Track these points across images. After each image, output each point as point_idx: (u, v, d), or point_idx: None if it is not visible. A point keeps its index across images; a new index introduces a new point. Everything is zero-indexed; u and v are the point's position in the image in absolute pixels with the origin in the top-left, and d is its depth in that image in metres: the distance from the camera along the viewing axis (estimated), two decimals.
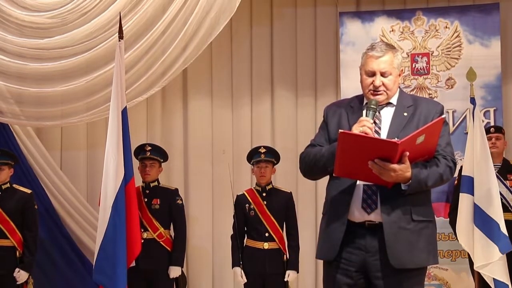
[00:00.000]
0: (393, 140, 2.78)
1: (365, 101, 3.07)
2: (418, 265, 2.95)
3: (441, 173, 2.94)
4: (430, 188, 2.99)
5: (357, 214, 2.95)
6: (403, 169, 2.81)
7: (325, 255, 3.04)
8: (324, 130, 3.15)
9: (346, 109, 3.11)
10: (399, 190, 2.89)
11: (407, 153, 2.78)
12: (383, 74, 3.00)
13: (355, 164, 2.84)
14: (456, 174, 5.59)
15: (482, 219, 4.95)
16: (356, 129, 2.87)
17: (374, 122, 2.94)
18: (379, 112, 3.01)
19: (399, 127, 2.98)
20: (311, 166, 3.08)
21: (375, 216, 2.93)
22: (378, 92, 3.01)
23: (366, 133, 2.84)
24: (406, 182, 2.86)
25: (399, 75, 3.07)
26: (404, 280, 2.91)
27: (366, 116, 2.94)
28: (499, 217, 4.96)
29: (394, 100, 3.07)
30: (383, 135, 2.98)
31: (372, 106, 2.95)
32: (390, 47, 3.08)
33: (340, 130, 2.80)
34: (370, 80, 3.01)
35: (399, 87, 3.12)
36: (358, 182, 2.95)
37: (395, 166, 2.79)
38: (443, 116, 3.00)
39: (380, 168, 2.79)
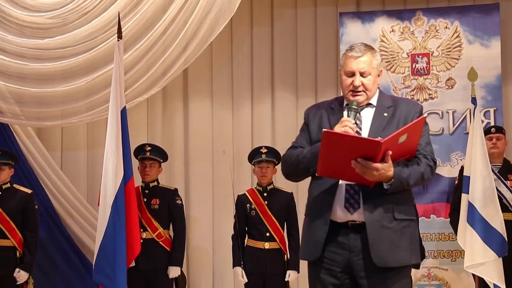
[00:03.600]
0: (376, 139, 2.79)
1: (345, 103, 3.09)
2: (401, 263, 2.96)
3: (422, 172, 2.96)
4: (412, 187, 3.01)
5: (340, 214, 2.95)
6: (386, 168, 2.82)
7: (309, 256, 3.05)
8: (305, 132, 3.17)
9: (326, 111, 3.13)
10: (381, 189, 2.91)
11: (390, 152, 2.80)
12: (362, 74, 3.02)
13: (338, 163, 2.85)
14: (456, 174, 5.65)
15: (475, 218, 4.99)
16: (338, 129, 2.88)
17: (355, 123, 2.95)
18: (359, 113, 3.02)
19: (379, 128, 3.00)
20: (293, 167, 3.09)
21: (357, 216, 2.93)
22: (358, 93, 3.03)
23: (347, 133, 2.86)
24: (388, 181, 2.87)
25: (378, 75, 3.09)
26: (387, 278, 2.92)
27: (348, 116, 2.96)
28: (494, 219, 4.97)
29: (374, 101, 3.09)
30: (364, 135, 2.99)
31: (353, 106, 2.97)
32: (369, 47, 3.10)
33: (324, 129, 2.82)
34: (349, 80, 3.04)
35: (379, 88, 3.14)
36: (340, 181, 2.96)
37: (377, 165, 2.80)
38: (424, 115, 3.03)
39: (363, 167, 2.80)
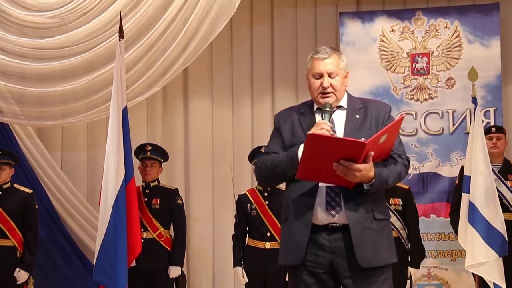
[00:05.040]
0: (361, 140, 2.82)
1: (315, 106, 3.12)
2: (383, 263, 3.00)
3: (399, 172, 3.01)
4: (390, 186, 3.05)
5: (321, 217, 2.97)
6: (368, 169, 2.85)
7: (291, 260, 3.05)
8: (277, 137, 3.18)
9: (297, 115, 3.15)
10: (360, 191, 2.93)
11: (372, 153, 2.83)
12: (330, 75, 3.06)
13: (319, 166, 2.86)
14: (456, 174, 5.65)
15: (476, 218, 5.00)
16: (315, 132, 2.89)
17: (329, 125, 2.97)
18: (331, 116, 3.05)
19: (353, 129, 3.03)
20: (268, 173, 3.11)
21: (338, 218, 2.96)
22: (327, 95, 3.05)
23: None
24: (369, 182, 2.90)
25: (346, 77, 3.12)
26: (370, 276, 2.96)
27: (322, 119, 2.98)
28: (495, 219, 4.98)
29: (344, 103, 3.12)
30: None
31: (327, 109, 3.00)
32: (335, 50, 3.14)
33: (308, 132, 2.84)
34: (318, 82, 3.07)
35: (347, 90, 3.17)
36: (320, 184, 2.98)
37: (360, 166, 2.83)
38: (403, 115, 3.08)
39: (345, 168, 2.82)
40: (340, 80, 3.07)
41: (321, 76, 3.06)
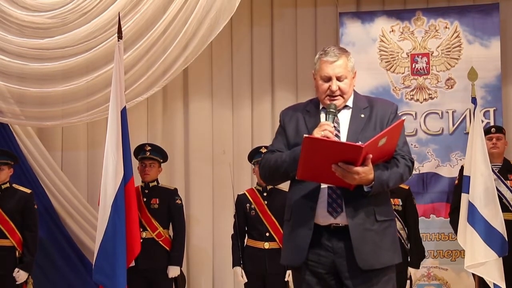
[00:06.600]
0: (357, 143, 2.82)
1: (321, 106, 3.11)
2: (385, 264, 2.99)
3: (401, 173, 2.99)
4: (391, 188, 3.04)
5: (323, 218, 2.97)
6: (366, 172, 2.84)
7: (292, 261, 3.07)
8: (282, 135, 3.17)
9: (302, 113, 3.14)
10: (362, 192, 2.93)
11: (370, 156, 2.82)
12: (338, 79, 3.04)
13: (318, 167, 2.86)
14: (456, 174, 5.65)
15: (475, 218, 5.00)
16: (317, 133, 2.90)
17: (334, 126, 2.97)
18: (336, 116, 3.04)
19: (357, 129, 3.03)
20: (272, 172, 3.11)
21: (340, 219, 2.96)
22: (335, 97, 3.05)
23: (327, 137, 2.87)
24: (368, 184, 2.90)
25: (353, 77, 3.11)
26: (373, 277, 2.96)
27: (326, 120, 2.98)
28: (494, 219, 4.98)
29: (350, 103, 3.11)
30: (343, 137, 3.02)
31: (331, 110, 3.00)
32: (343, 50, 3.12)
33: (305, 135, 2.83)
34: (326, 85, 3.05)
35: (354, 89, 3.16)
36: (322, 186, 2.98)
37: (358, 169, 2.82)
38: (403, 118, 3.10)
39: (344, 171, 2.82)
40: (348, 82, 3.06)
41: (329, 79, 3.04)
